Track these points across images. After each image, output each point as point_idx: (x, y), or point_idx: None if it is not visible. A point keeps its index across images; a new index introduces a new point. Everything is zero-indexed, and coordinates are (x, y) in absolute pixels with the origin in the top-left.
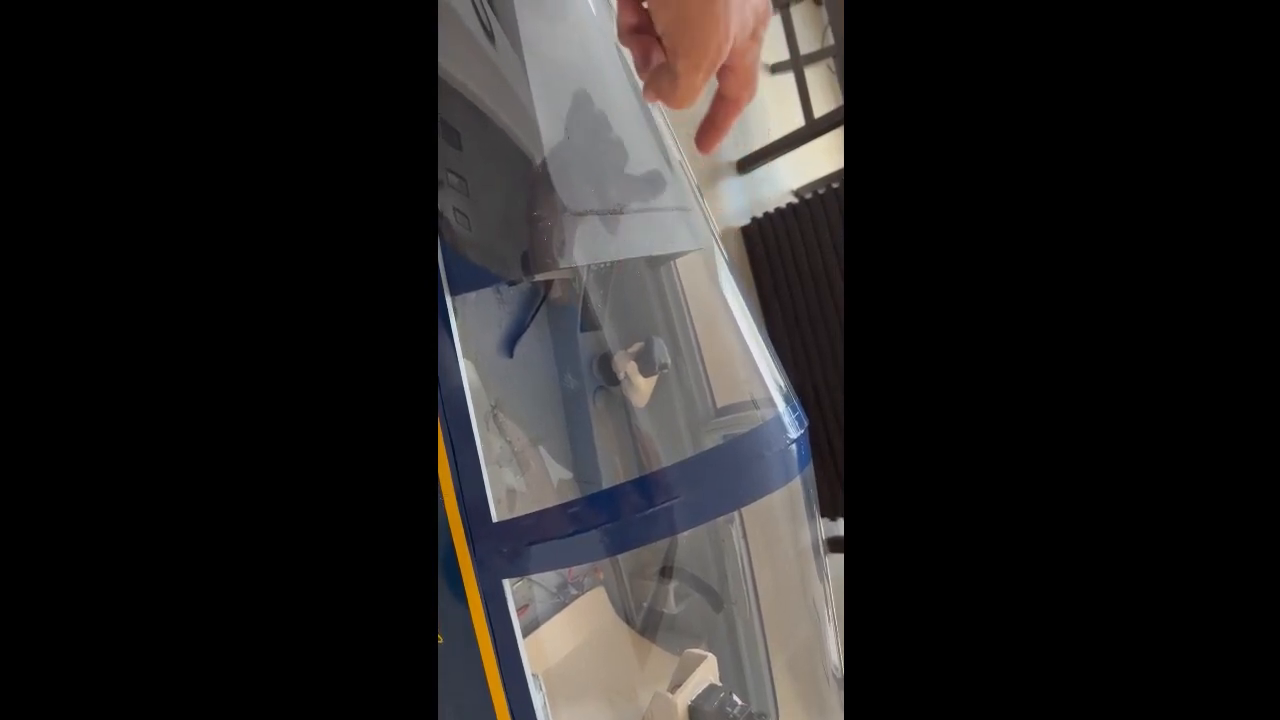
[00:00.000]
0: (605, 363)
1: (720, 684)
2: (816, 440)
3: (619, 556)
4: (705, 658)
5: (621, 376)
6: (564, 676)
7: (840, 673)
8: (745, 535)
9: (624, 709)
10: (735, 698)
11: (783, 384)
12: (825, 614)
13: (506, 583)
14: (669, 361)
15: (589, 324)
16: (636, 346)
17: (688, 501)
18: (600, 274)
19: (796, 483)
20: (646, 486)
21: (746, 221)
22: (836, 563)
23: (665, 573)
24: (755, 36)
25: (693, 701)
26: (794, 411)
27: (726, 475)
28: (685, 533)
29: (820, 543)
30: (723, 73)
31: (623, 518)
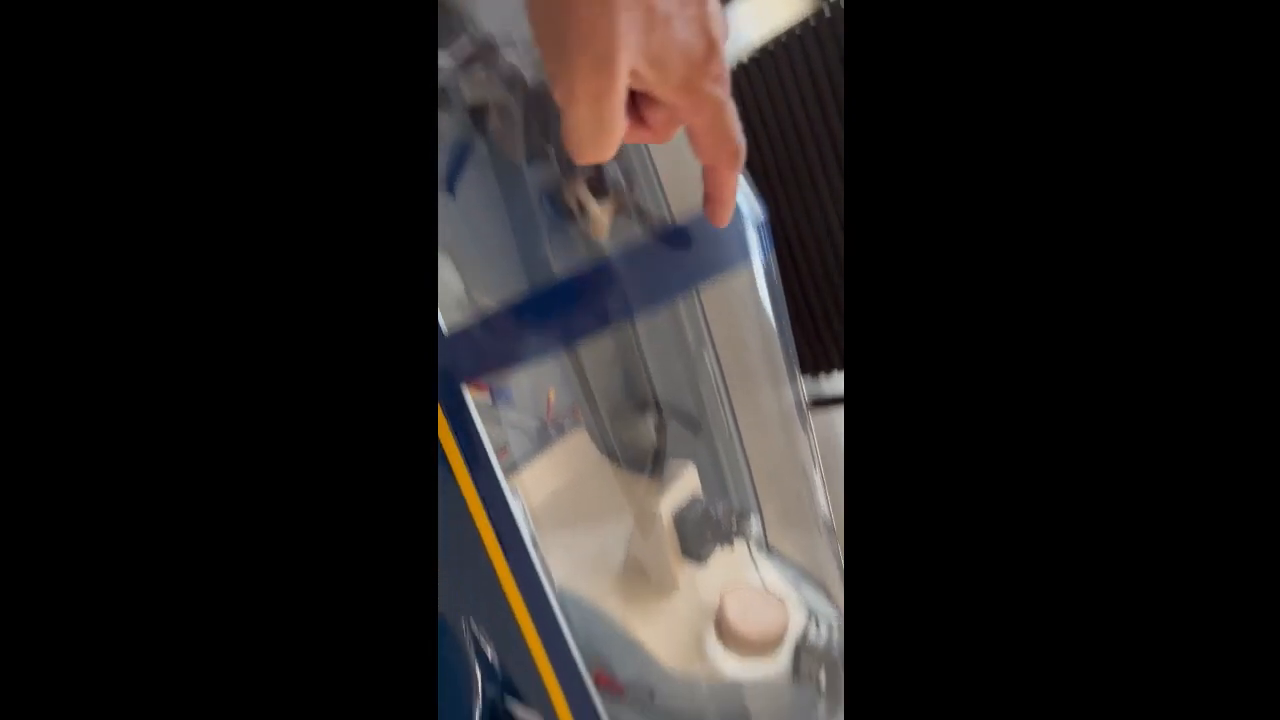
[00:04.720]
0: (557, 195)
1: (702, 496)
2: (792, 294)
3: (596, 396)
4: (686, 464)
5: (574, 206)
6: (550, 512)
7: (830, 523)
8: (719, 360)
9: (612, 531)
10: (718, 504)
11: (742, 180)
12: (811, 464)
13: (471, 403)
14: (623, 182)
15: (534, 152)
16: (589, 170)
17: (643, 280)
18: (540, 94)
19: (773, 331)
20: (600, 270)
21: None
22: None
23: (643, 406)
24: (708, 75)
25: (677, 511)
26: (752, 203)
27: (679, 254)
28: (657, 359)
29: (803, 397)
30: (689, 134)
31: (576, 303)
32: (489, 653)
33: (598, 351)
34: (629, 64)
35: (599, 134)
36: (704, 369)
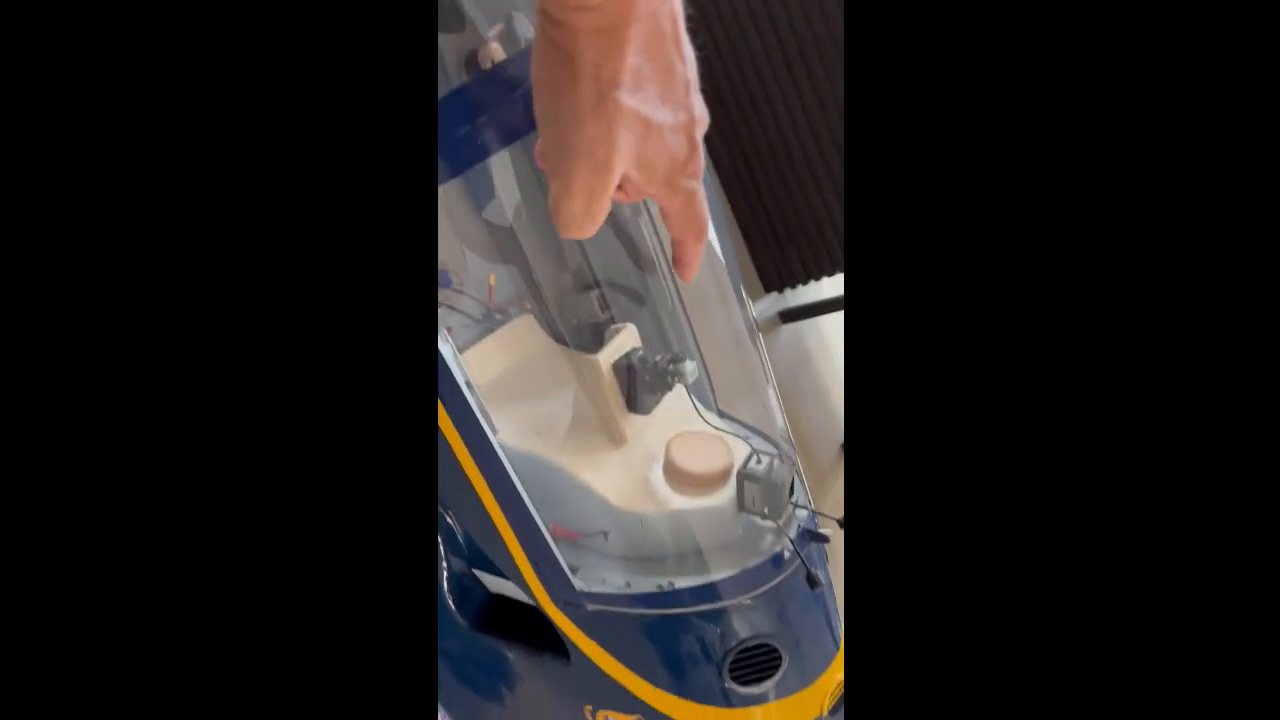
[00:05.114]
0: (472, 60)
1: (641, 347)
2: (755, 214)
3: (541, 283)
4: (625, 327)
5: (489, 66)
6: (500, 389)
7: (786, 427)
8: (658, 234)
9: (563, 399)
10: (655, 353)
11: None
12: (764, 378)
13: None
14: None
15: (447, 25)
16: (498, 28)
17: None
18: None
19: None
20: (494, 74)
21: None
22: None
23: (587, 288)
24: (686, 173)
25: (616, 361)
26: None
27: None
28: (594, 239)
29: (752, 319)
30: (662, 213)
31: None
32: (454, 528)
33: (538, 241)
34: (622, 170)
35: (587, 221)
36: (642, 239)
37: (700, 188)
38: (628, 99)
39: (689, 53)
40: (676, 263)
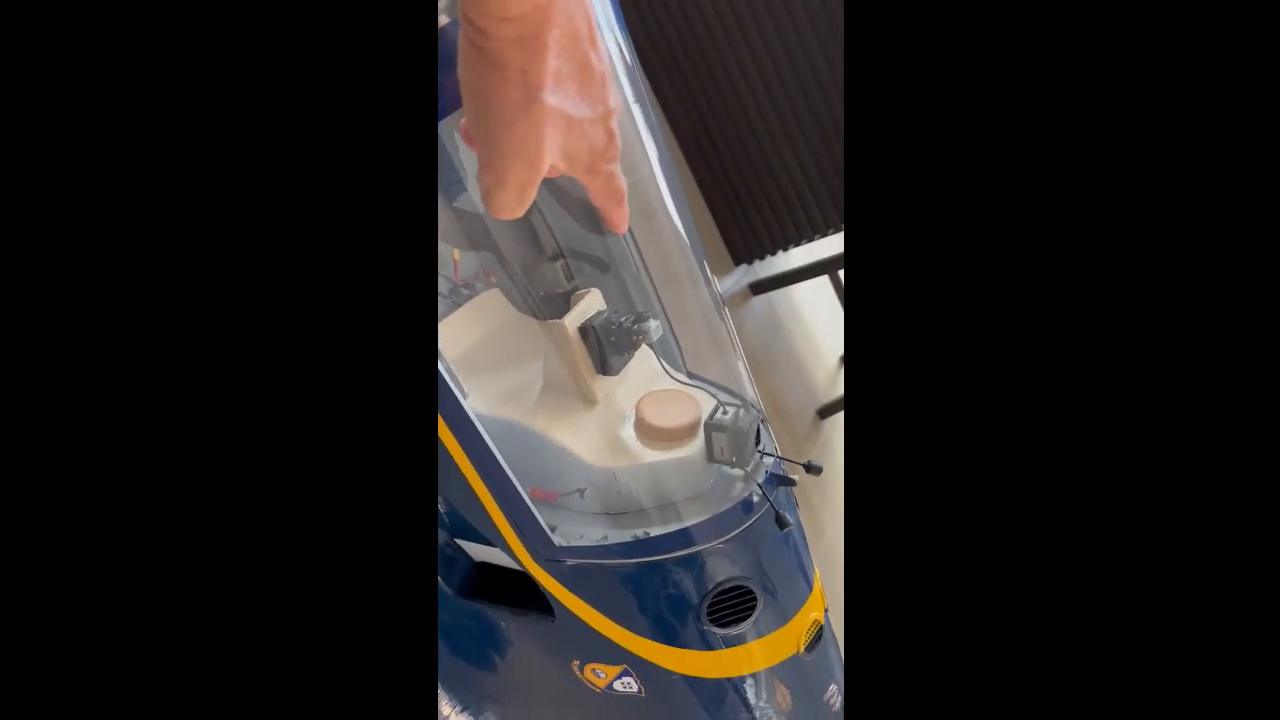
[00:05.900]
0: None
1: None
2: (720, 188)
3: (508, 256)
4: (590, 291)
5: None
6: (472, 360)
7: (751, 382)
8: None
9: (534, 367)
10: (619, 314)
11: None
12: (723, 327)
13: None
14: None
15: None
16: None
17: None
18: None
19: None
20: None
21: None
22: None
23: (553, 258)
24: (606, 159)
25: (582, 324)
26: None
27: None
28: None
29: (717, 290)
30: (588, 192)
31: None
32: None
33: (505, 224)
34: (550, 163)
35: (518, 208)
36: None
37: (618, 169)
38: (551, 99)
39: (604, 47)
40: (607, 223)
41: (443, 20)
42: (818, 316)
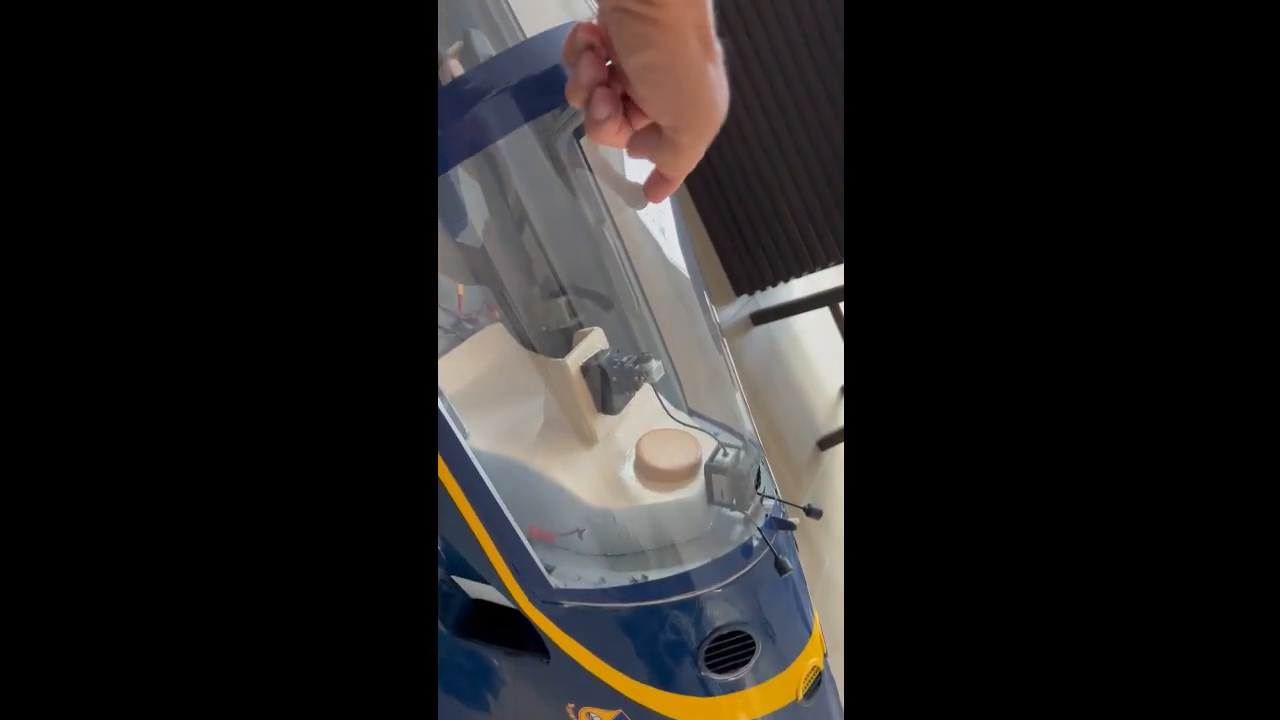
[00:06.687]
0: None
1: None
2: (723, 220)
3: (510, 292)
4: (593, 330)
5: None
6: (472, 396)
7: (751, 421)
8: (622, 240)
9: (535, 404)
10: (621, 353)
11: None
12: (723, 364)
13: None
14: (493, 53)
15: None
16: (456, 45)
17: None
18: None
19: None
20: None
21: None
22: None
23: (554, 294)
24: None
25: (584, 363)
26: None
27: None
28: (560, 246)
29: (716, 323)
30: (679, 152)
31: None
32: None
33: (504, 248)
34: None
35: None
36: (607, 246)
37: None
38: (717, 45)
39: None
40: (656, 185)
41: (454, 69)
42: (818, 347)
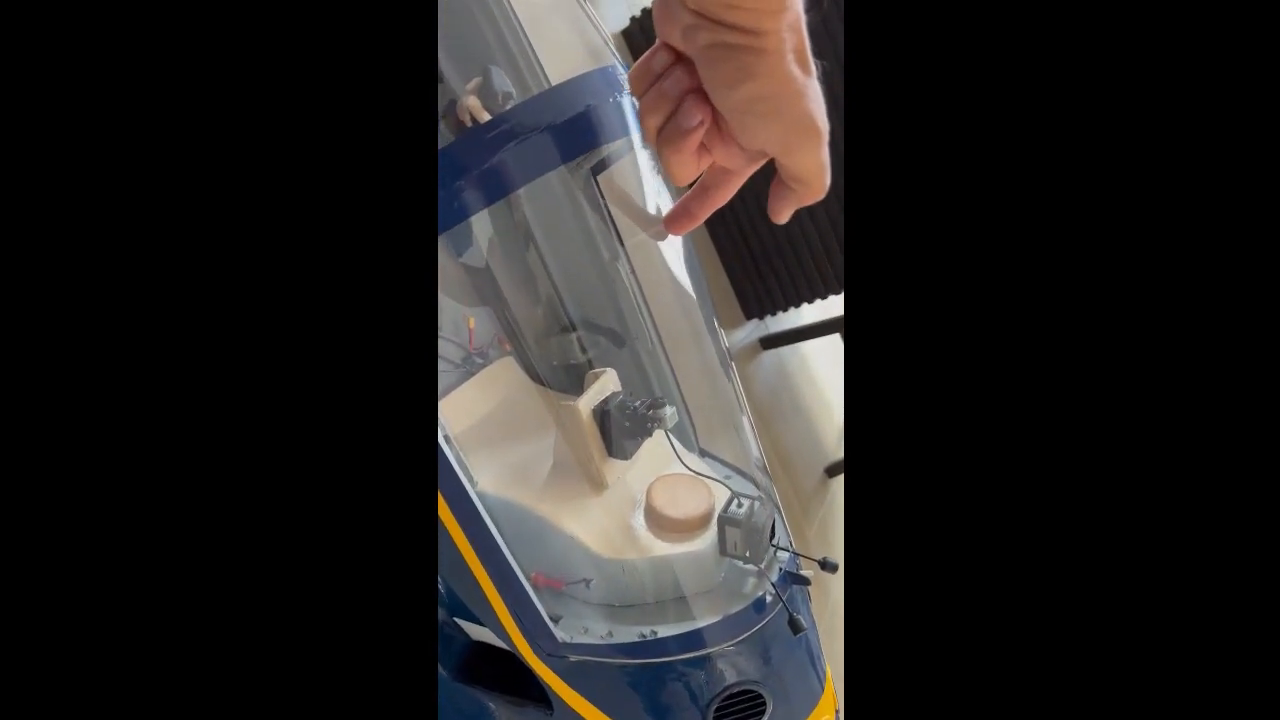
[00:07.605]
0: (450, 111)
1: (620, 391)
2: (735, 244)
3: (521, 326)
4: (605, 371)
5: (468, 121)
6: (481, 434)
7: (763, 463)
8: (635, 274)
9: (544, 444)
10: (634, 397)
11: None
12: (738, 407)
13: None
14: (513, 90)
15: None
16: (475, 82)
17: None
18: None
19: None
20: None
21: (626, 24)
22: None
23: (566, 329)
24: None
25: (595, 406)
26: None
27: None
28: (572, 281)
29: (725, 350)
30: (724, 180)
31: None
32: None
33: (515, 282)
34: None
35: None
36: (620, 282)
37: None
38: (814, 66)
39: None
40: (684, 214)
41: (474, 105)
42: (828, 373)
